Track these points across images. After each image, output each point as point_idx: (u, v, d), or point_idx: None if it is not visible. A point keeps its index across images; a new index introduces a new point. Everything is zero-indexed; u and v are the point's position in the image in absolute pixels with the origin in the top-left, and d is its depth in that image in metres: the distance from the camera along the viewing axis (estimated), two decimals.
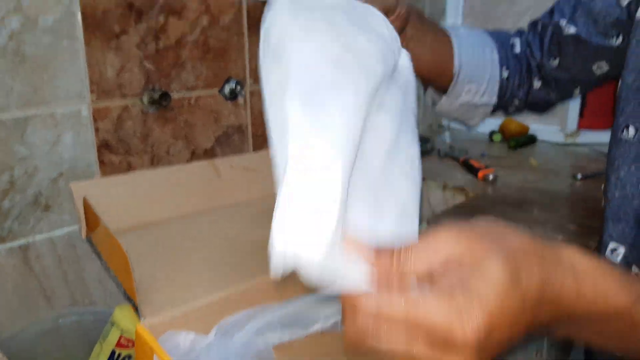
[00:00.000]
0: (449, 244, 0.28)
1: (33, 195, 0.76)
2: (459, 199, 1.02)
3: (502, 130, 1.43)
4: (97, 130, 0.80)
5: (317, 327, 0.51)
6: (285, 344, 0.51)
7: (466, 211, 0.90)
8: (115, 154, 0.83)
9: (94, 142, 0.80)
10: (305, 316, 0.51)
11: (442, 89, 0.66)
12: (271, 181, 0.70)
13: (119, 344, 0.68)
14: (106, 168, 0.82)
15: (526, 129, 1.42)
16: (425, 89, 0.70)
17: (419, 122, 1.52)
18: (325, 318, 0.52)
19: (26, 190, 0.75)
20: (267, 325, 0.49)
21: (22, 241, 0.75)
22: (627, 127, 0.49)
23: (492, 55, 0.66)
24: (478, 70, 0.64)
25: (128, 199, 0.56)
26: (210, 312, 0.49)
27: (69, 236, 0.79)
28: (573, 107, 1.37)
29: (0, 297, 0.73)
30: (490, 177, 1.06)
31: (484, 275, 0.26)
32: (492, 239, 0.29)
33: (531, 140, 1.39)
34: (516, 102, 0.71)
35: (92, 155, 0.80)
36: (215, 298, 0.50)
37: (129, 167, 0.85)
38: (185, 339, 0.47)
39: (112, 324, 0.69)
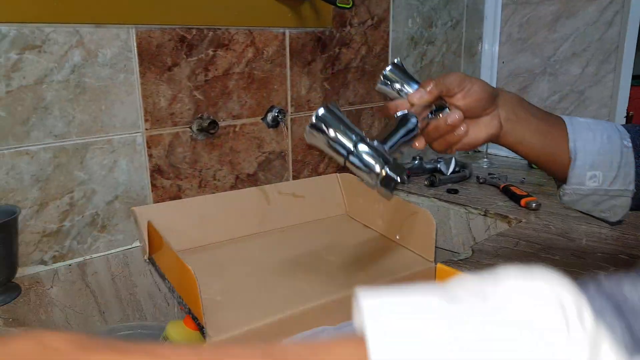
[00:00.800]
0: None
1: (91, 216, 0.81)
2: (501, 226, 1.02)
3: None
4: (150, 156, 0.86)
5: None
6: None
7: (510, 239, 0.90)
8: (166, 178, 0.88)
9: (147, 167, 0.86)
10: None
11: (561, 177, 0.63)
12: (314, 207, 0.73)
13: None
14: (158, 191, 0.87)
15: None
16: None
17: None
18: None
19: (84, 212, 0.81)
20: None
21: (80, 259, 0.81)
22: None
23: (621, 141, 0.60)
24: (602, 155, 0.60)
25: (185, 222, 0.60)
26: (269, 333, 0.52)
27: (123, 255, 0.84)
28: None
29: (59, 311, 0.78)
30: (534, 204, 1.05)
31: None
32: None
33: None
34: None
35: (145, 179, 0.86)
36: (274, 320, 0.52)
37: (179, 190, 0.90)
38: None
39: (165, 338, 0.73)
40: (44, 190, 0.76)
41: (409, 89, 0.58)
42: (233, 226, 0.70)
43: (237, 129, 0.96)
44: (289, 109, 1.04)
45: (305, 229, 0.74)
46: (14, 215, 0.68)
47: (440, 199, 1.10)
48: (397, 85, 0.58)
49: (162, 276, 0.60)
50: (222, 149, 0.95)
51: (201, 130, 0.90)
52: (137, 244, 0.86)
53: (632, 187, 0.60)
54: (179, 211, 0.65)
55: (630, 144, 0.60)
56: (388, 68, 0.58)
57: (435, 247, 0.69)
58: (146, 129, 0.85)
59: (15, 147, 0.73)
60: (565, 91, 1.46)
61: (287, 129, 1.04)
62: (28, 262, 0.76)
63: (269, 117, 1.00)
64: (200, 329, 0.50)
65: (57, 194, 0.78)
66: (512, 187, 1.15)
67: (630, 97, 1.35)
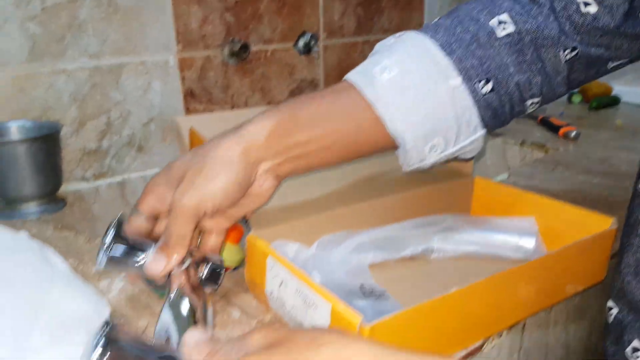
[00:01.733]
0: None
1: (127, 136, 0.83)
2: (537, 155, 1.00)
3: (582, 91, 1.36)
4: (183, 79, 0.86)
5: (408, 251, 0.54)
6: (378, 264, 0.53)
7: (547, 164, 0.88)
8: (199, 102, 0.89)
9: (180, 90, 0.86)
10: (398, 241, 0.54)
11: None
12: None
13: None
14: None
15: (609, 89, 1.35)
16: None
17: None
18: (416, 244, 0.54)
19: (122, 132, 0.82)
20: (362, 245, 0.53)
21: (119, 178, 0.83)
22: None
23: (446, 83, 0.45)
24: (432, 118, 0.46)
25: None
26: (311, 229, 0.53)
27: None
28: None
29: (102, 226, 0.81)
30: (572, 134, 1.02)
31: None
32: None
33: (614, 101, 1.32)
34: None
35: (179, 103, 0.87)
36: (317, 216, 0.53)
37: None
38: (291, 248, 0.51)
39: None
40: (81, 109, 0.78)
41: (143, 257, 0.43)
42: None
43: (268, 55, 0.95)
44: (321, 35, 1.02)
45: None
46: (57, 129, 0.70)
47: None
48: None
49: None
50: (253, 75, 0.94)
51: (232, 54, 0.90)
52: None
53: (479, 131, 0.48)
54: (222, 122, 0.65)
55: (458, 78, 0.45)
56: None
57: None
58: (178, 51, 0.85)
59: (52, 65, 0.74)
60: None
61: (318, 56, 1.03)
62: (71, 178, 0.79)
63: (301, 42, 0.99)
64: (246, 221, 0.52)
65: (94, 113, 0.79)
66: (550, 119, 1.11)
67: None
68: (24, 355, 0.36)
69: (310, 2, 0.98)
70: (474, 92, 0.46)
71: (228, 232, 0.80)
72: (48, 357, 0.36)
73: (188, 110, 0.88)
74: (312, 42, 0.99)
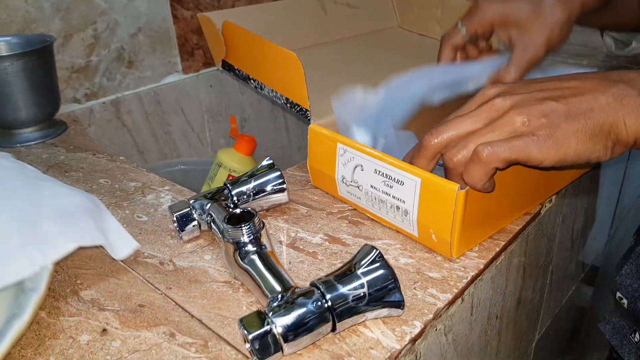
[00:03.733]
0: None
1: (116, 50, 0.77)
2: None
3: None
4: None
5: (471, 85, 0.52)
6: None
7: None
8: (186, 9, 0.83)
9: None
10: (462, 77, 0.53)
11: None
12: (369, 18, 0.71)
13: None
14: (180, 24, 0.82)
15: None
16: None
17: None
18: (477, 78, 0.53)
19: (110, 45, 0.76)
20: (429, 83, 0.51)
21: (112, 97, 0.78)
22: None
23: None
24: None
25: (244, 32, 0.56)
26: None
27: (154, 92, 0.82)
28: None
29: (114, 146, 0.77)
30: None
31: None
32: None
33: None
34: None
35: (166, 10, 0.80)
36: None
37: None
38: (358, 95, 0.49)
39: (219, 165, 0.74)
40: (65, 20, 0.70)
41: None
42: (294, 37, 0.68)
43: None
44: None
45: (362, 40, 0.72)
46: (50, 41, 0.63)
47: None
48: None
49: (246, 77, 0.57)
50: None
51: None
52: (166, 80, 0.83)
53: None
54: (239, 19, 0.61)
55: None
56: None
57: None
58: None
59: None
60: None
61: None
62: (62, 100, 0.73)
63: None
64: (304, 112, 0.50)
65: (79, 24, 0.72)
66: None
67: None
68: (38, 241, 0.35)
69: None
70: None
71: (238, 142, 0.78)
72: (64, 241, 0.36)
73: (176, 18, 0.82)
74: None
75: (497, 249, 0.42)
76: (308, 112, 0.50)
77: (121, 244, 0.41)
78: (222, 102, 0.92)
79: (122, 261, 0.42)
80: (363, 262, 0.34)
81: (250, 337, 0.30)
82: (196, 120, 0.89)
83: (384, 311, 0.34)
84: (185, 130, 0.87)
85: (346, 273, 0.33)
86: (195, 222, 0.44)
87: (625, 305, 0.51)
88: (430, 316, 0.35)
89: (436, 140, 0.39)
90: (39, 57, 0.62)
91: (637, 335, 0.51)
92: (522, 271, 0.51)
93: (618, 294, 0.52)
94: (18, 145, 0.64)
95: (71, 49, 0.72)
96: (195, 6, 0.84)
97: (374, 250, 0.34)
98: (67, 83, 0.73)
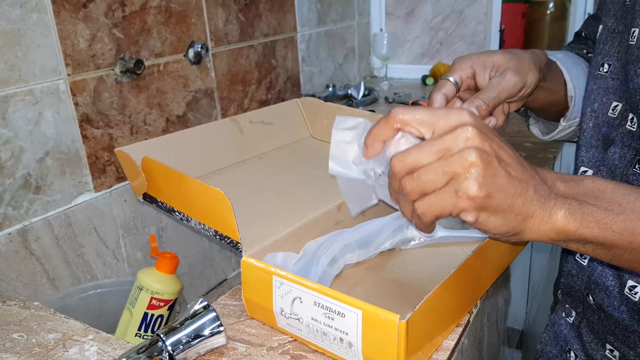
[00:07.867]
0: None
1: (22, 177, 0.73)
2: None
3: (433, 73, 1.54)
4: (76, 104, 0.78)
5: (386, 245, 0.57)
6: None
7: None
8: (96, 127, 0.81)
9: (74, 116, 0.78)
10: (376, 237, 0.57)
11: (556, 118, 0.64)
12: (284, 132, 0.74)
13: (150, 306, 0.70)
14: (89, 142, 0.81)
15: None
16: (527, 121, 0.70)
17: (360, 79, 1.60)
18: (392, 237, 0.57)
19: (15, 173, 0.72)
20: (345, 246, 0.54)
21: (19, 226, 0.73)
22: (603, 64, 0.55)
23: (584, 72, 0.62)
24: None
25: (167, 159, 0.55)
26: (294, 239, 0.54)
27: (64, 215, 0.78)
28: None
29: (5, 285, 0.71)
30: None
31: None
32: None
33: None
34: None
35: (75, 131, 0.78)
36: (295, 227, 0.54)
37: (111, 140, 0.84)
38: (279, 258, 0.52)
39: (140, 288, 0.70)
40: None
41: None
42: (215, 158, 0.68)
43: (161, 68, 0.91)
44: (210, 44, 1.00)
45: (281, 153, 0.75)
46: None
47: None
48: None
49: (170, 209, 0.57)
50: (148, 91, 0.89)
51: (125, 71, 0.84)
52: (77, 200, 0.80)
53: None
54: (157, 149, 0.61)
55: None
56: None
57: None
58: (68, 75, 0.76)
59: None
60: (446, 12, 1.57)
61: (211, 63, 1.00)
62: None
63: (191, 53, 0.96)
64: (235, 245, 0.51)
65: None
66: (420, 102, 1.24)
67: (502, 13, 1.50)
68: None
69: (195, 11, 0.95)
70: None
71: (160, 261, 0.76)
72: None
73: (85, 138, 0.80)
74: (203, 51, 0.97)
75: None
76: (239, 245, 0.50)
77: None
78: (137, 215, 0.90)
79: None
80: None
81: None
82: (111, 238, 0.85)
83: None
84: (100, 249, 0.83)
85: None
86: None
87: None
88: None
89: (398, 153, 0.39)
90: None
91: None
92: None
93: None
94: None
95: None
96: (106, 124, 0.83)
97: None
98: None
